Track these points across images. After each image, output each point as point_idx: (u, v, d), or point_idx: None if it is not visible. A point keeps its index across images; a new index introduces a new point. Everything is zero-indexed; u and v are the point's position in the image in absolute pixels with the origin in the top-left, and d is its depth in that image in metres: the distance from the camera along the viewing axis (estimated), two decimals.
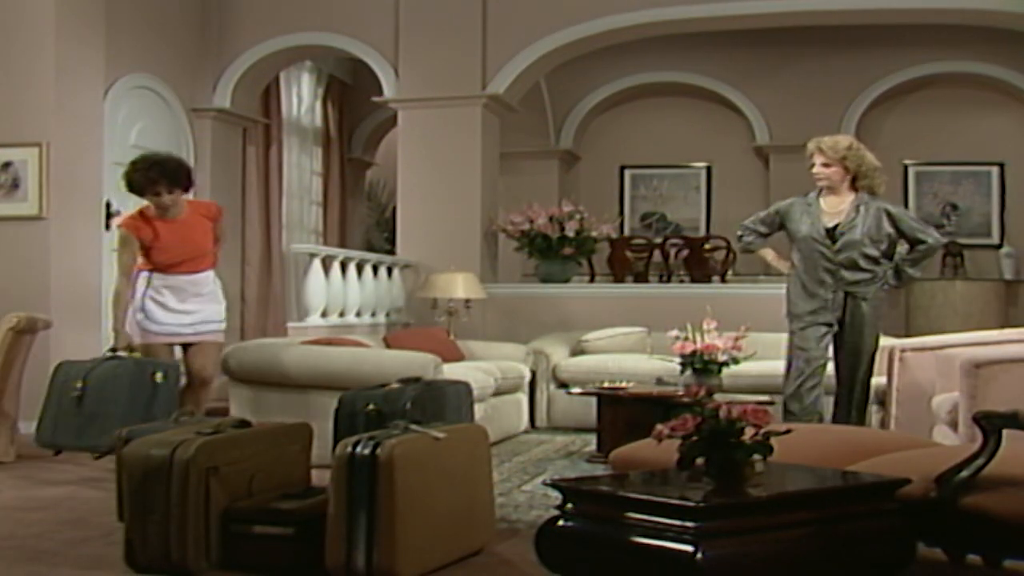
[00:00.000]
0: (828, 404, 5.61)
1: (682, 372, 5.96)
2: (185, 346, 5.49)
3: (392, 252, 9.40)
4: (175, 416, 4.03)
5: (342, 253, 7.91)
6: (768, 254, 5.82)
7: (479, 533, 3.53)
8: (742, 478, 2.76)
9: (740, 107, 10.82)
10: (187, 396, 5.39)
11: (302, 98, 10.65)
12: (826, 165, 5.49)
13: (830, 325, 5.46)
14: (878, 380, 5.89)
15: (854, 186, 5.52)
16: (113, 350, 5.15)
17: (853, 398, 5.46)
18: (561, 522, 2.80)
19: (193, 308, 5.45)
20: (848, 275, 5.43)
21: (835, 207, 5.51)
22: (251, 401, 5.80)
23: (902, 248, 5.59)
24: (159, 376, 4.97)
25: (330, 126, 11.07)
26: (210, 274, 5.56)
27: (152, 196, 5.24)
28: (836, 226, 5.45)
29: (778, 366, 5.71)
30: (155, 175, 5.21)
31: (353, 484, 3.14)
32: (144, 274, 5.33)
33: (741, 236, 5.88)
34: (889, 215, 5.48)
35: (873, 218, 5.43)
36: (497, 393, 6.53)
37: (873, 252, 5.44)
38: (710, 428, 2.78)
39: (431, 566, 3.25)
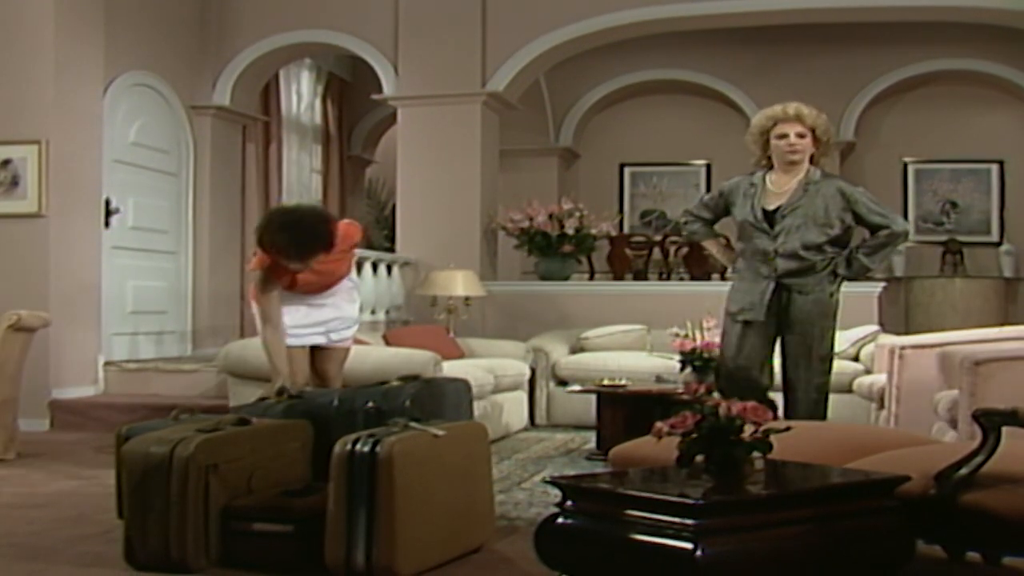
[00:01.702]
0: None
1: (682, 370, 5.96)
2: (313, 349, 4.97)
3: (392, 250, 9.40)
4: (174, 414, 4.02)
5: None
6: (712, 246, 5.23)
7: (479, 530, 3.53)
8: (741, 475, 2.76)
9: (740, 105, 10.82)
10: None
11: (302, 95, 10.65)
12: (801, 136, 4.73)
13: (764, 325, 4.73)
14: (876, 379, 5.89)
15: (811, 161, 4.79)
16: (280, 392, 4.36)
17: (798, 411, 4.65)
18: (561, 519, 2.80)
19: (327, 313, 4.94)
20: (783, 264, 4.69)
21: (783, 186, 4.76)
22: (251, 398, 5.79)
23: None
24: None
25: (330, 124, 11.07)
26: (347, 282, 5.03)
27: (285, 262, 4.58)
28: (777, 208, 4.71)
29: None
30: (283, 242, 4.49)
31: (353, 481, 3.14)
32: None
33: (685, 223, 5.18)
34: (844, 195, 4.69)
35: (822, 199, 4.67)
36: (496, 391, 6.53)
37: (817, 238, 4.66)
38: (710, 425, 2.78)
39: (430, 563, 3.25)
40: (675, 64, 10.85)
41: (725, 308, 4.86)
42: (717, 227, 5.19)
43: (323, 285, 4.89)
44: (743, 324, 4.76)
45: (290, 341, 4.80)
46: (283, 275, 4.69)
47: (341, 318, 4.99)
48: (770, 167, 4.84)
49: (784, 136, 4.72)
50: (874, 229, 4.73)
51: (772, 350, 4.81)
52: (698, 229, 5.08)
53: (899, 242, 4.82)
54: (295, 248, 4.49)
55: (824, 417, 4.72)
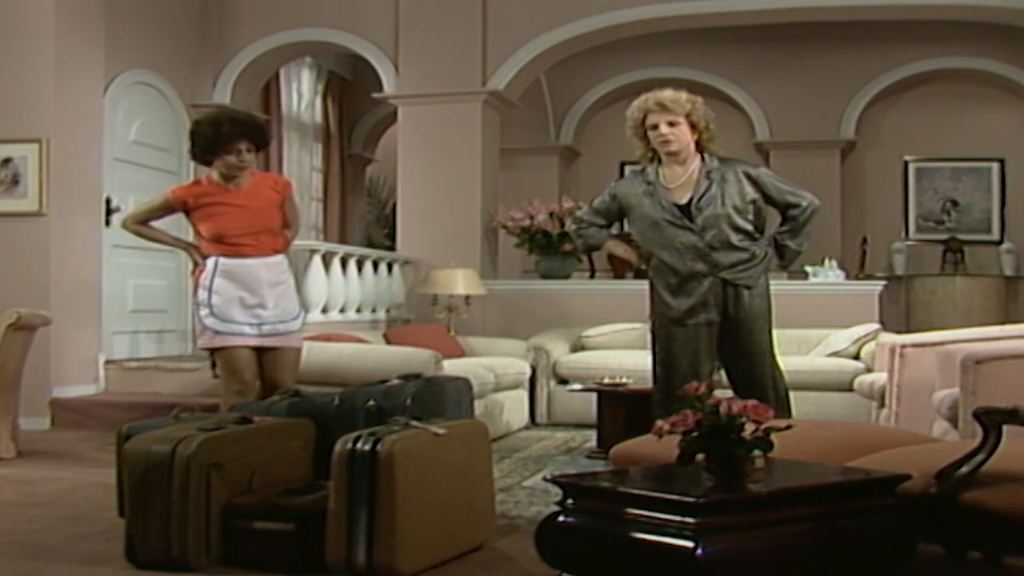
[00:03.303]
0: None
1: None
2: (258, 350, 4.72)
3: (392, 248, 9.40)
4: (175, 413, 4.03)
5: (342, 249, 7.91)
6: (617, 247, 4.93)
7: (479, 529, 3.53)
8: (742, 474, 2.76)
9: (740, 103, 10.82)
10: None
11: (302, 94, 10.65)
12: (672, 124, 4.44)
13: (710, 325, 4.48)
14: (876, 377, 5.89)
15: (699, 148, 4.51)
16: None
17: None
18: (561, 518, 2.80)
19: (268, 302, 4.72)
20: (723, 258, 4.43)
21: (679, 179, 4.50)
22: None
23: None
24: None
25: (330, 122, 11.07)
26: (283, 259, 4.83)
27: (225, 156, 4.61)
28: (690, 201, 4.45)
29: (778, 362, 5.00)
30: (232, 131, 4.59)
31: (354, 480, 3.14)
32: (211, 260, 4.68)
33: (577, 230, 4.84)
34: (749, 177, 4.45)
35: (733, 184, 4.44)
36: (497, 389, 6.54)
37: (744, 225, 4.44)
38: (710, 424, 2.78)
39: (431, 562, 3.25)
40: (676, 62, 10.84)
41: (660, 316, 4.55)
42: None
43: (252, 225, 4.69)
44: (695, 327, 4.47)
45: (221, 329, 4.63)
46: (198, 192, 4.71)
47: (282, 309, 4.74)
48: (658, 161, 4.57)
49: (655, 127, 4.46)
50: (784, 208, 4.51)
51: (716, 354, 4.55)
52: (594, 233, 4.77)
53: (815, 218, 4.51)
54: (245, 136, 4.58)
55: (790, 415, 4.46)
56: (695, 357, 4.47)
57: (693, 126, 4.46)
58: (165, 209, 4.89)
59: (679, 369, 4.46)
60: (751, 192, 4.46)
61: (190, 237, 5.00)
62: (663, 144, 4.47)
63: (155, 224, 4.98)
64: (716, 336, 4.50)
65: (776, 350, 4.60)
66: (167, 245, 5.10)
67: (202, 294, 4.65)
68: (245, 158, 4.65)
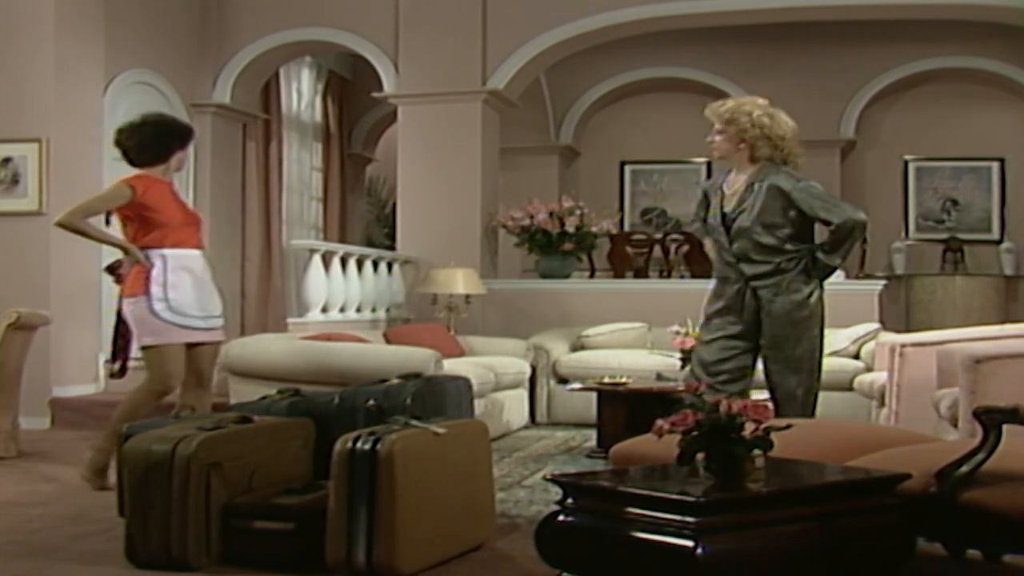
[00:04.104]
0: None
1: (682, 367, 5.97)
2: (189, 344, 4.79)
3: (392, 248, 9.40)
4: (175, 412, 4.03)
5: (342, 249, 7.91)
6: (708, 245, 4.87)
7: (479, 528, 3.53)
8: (742, 473, 2.76)
9: None
10: (188, 399, 4.78)
11: (302, 93, 10.65)
12: (718, 132, 4.56)
13: (738, 331, 4.53)
14: (876, 376, 5.89)
15: (754, 158, 4.53)
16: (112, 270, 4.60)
17: (783, 416, 4.30)
18: (561, 517, 2.80)
19: (207, 296, 4.80)
20: (746, 269, 4.51)
21: (734, 187, 4.58)
22: (251, 396, 5.79)
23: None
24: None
25: (330, 122, 11.07)
26: (204, 256, 4.93)
27: (179, 153, 4.80)
28: (732, 210, 4.54)
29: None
30: (179, 129, 4.84)
31: (353, 479, 3.14)
32: (159, 253, 4.65)
33: (692, 222, 4.98)
34: (783, 192, 4.41)
35: (764, 197, 4.44)
36: (497, 389, 6.54)
37: (768, 240, 4.45)
38: (710, 423, 2.78)
39: (431, 561, 3.26)
40: (676, 62, 10.84)
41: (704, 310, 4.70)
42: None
43: (187, 217, 4.80)
44: (722, 327, 4.56)
45: (179, 320, 4.63)
46: (154, 189, 4.66)
47: (216, 303, 4.86)
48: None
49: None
50: (826, 224, 4.47)
51: (754, 358, 4.59)
52: (698, 228, 4.84)
53: (856, 233, 4.43)
54: (178, 141, 4.74)
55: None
56: (720, 366, 4.53)
57: (740, 137, 4.49)
58: (121, 199, 4.68)
59: (704, 364, 4.56)
60: (782, 206, 4.44)
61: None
62: (714, 151, 4.61)
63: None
64: (752, 340, 4.53)
65: (816, 358, 4.55)
66: (108, 245, 4.85)
67: (156, 289, 4.61)
68: (180, 156, 4.84)
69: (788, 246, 4.47)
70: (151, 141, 4.77)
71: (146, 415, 4.44)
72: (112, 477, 4.54)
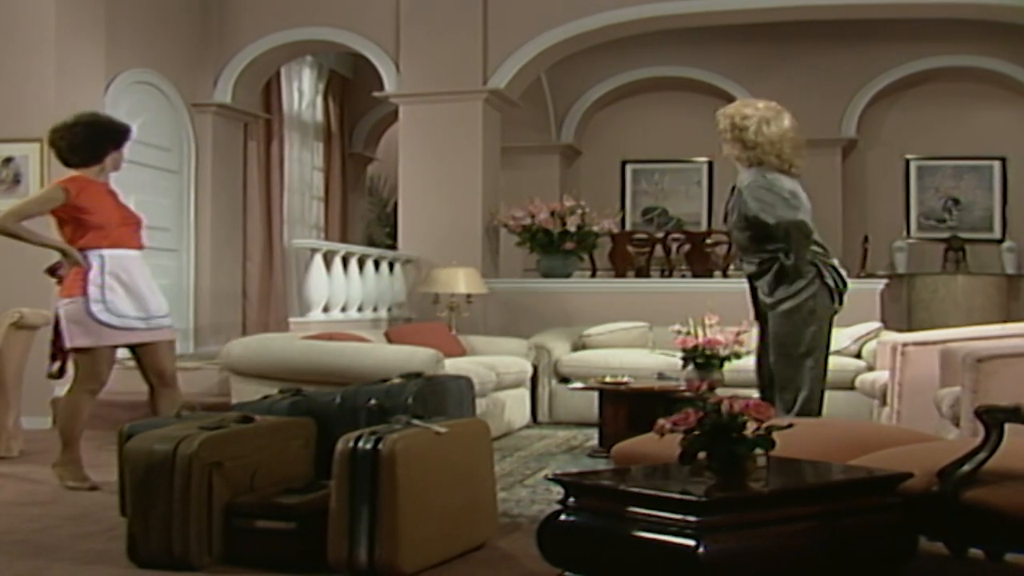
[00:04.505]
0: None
1: (684, 367, 5.96)
2: (132, 347, 4.80)
3: (393, 247, 9.40)
4: (177, 411, 4.03)
5: (343, 248, 7.91)
6: None
7: (481, 528, 3.53)
8: (744, 472, 2.76)
9: None
10: (161, 402, 4.82)
11: (303, 93, 10.65)
12: (725, 140, 4.79)
13: (761, 331, 4.86)
14: (878, 375, 5.89)
15: (742, 160, 4.74)
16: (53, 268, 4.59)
17: (777, 408, 4.53)
18: (563, 517, 2.80)
19: (147, 297, 4.74)
20: (745, 267, 4.83)
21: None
22: (253, 396, 5.79)
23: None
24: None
25: (331, 121, 11.07)
26: (143, 257, 4.88)
27: (114, 152, 4.75)
28: (727, 213, 4.85)
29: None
30: (113, 128, 4.77)
31: (355, 479, 3.14)
32: (96, 254, 4.62)
33: None
34: (741, 193, 4.67)
35: (737, 200, 4.70)
36: (499, 388, 6.53)
37: (744, 241, 4.70)
38: (712, 422, 2.77)
39: (433, 561, 3.25)
40: (677, 61, 10.84)
41: None
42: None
43: (124, 217, 4.76)
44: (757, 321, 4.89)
45: (115, 321, 4.59)
46: (88, 192, 4.61)
47: (159, 303, 4.81)
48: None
49: None
50: (766, 225, 4.61)
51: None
52: None
53: (794, 233, 4.55)
54: (113, 142, 4.70)
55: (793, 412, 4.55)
56: (756, 358, 4.89)
57: (728, 139, 4.69)
58: (55, 202, 4.61)
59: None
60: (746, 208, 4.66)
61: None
62: None
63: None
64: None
65: (805, 352, 4.67)
66: (42, 246, 4.73)
67: (93, 290, 4.58)
68: (116, 156, 4.79)
69: (768, 246, 4.62)
70: (82, 142, 4.71)
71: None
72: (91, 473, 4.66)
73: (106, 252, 4.63)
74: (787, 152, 4.67)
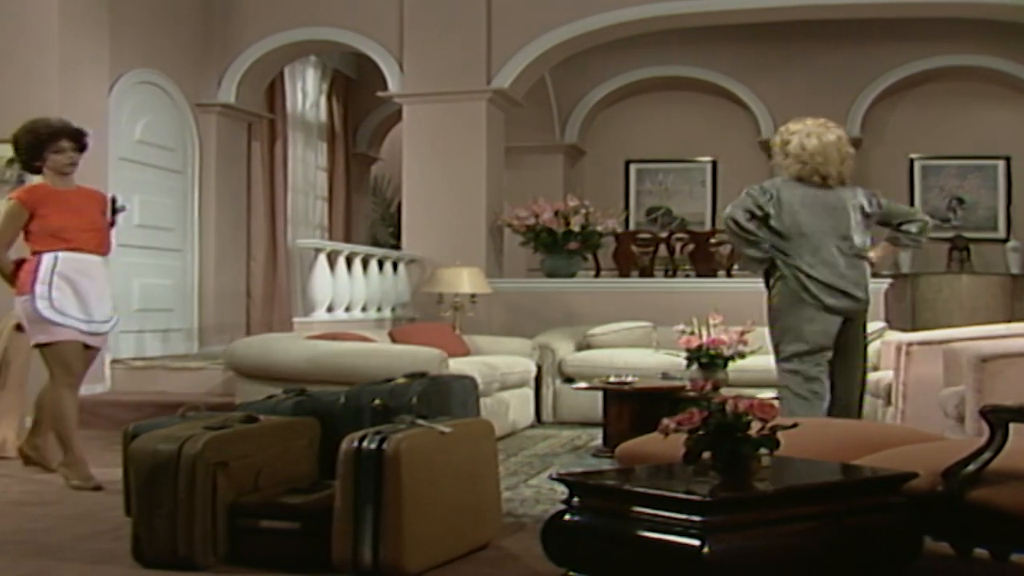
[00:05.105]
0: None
1: (688, 366, 5.96)
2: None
3: (397, 247, 9.41)
4: (181, 411, 4.03)
5: (347, 248, 7.92)
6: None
7: (485, 527, 3.53)
8: (748, 472, 2.76)
9: (745, 101, 10.81)
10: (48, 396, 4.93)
11: (307, 93, 10.66)
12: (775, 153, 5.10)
13: None
14: (882, 375, 5.88)
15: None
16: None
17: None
18: (567, 516, 2.80)
19: (97, 302, 4.82)
20: None
21: None
22: (257, 396, 5.79)
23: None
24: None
25: (335, 121, 11.08)
26: (104, 263, 4.97)
27: (53, 156, 4.83)
28: None
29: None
30: (49, 131, 4.85)
31: (359, 479, 3.14)
32: (48, 255, 4.71)
33: None
34: None
35: None
36: (503, 388, 6.54)
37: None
38: (716, 422, 2.77)
39: (437, 560, 3.26)
40: (681, 61, 10.83)
41: None
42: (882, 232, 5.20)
43: (83, 223, 4.82)
44: None
45: (59, 320, 4.65)
46: (40, 195, 4.74)
47: (105, 311, 4.86)
48: None
49: None
50: None
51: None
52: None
53: (728, 231, 4.96)
54: (64, 135, 4.82)
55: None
56: None
57: (783, 153, 4.93)
58: (22, 217, 4.77)
59: None
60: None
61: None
62: None
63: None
64: None
65: (777, 348, 4.92)
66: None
67: (41, 288, 4.66)
68: (72, 155, 4.88)
69: (770, 249, 4.91)
70: (23, 147, 4.88)
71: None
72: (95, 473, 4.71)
73: (62, 254, 4.73)
74: (817, 162, 4.83)
